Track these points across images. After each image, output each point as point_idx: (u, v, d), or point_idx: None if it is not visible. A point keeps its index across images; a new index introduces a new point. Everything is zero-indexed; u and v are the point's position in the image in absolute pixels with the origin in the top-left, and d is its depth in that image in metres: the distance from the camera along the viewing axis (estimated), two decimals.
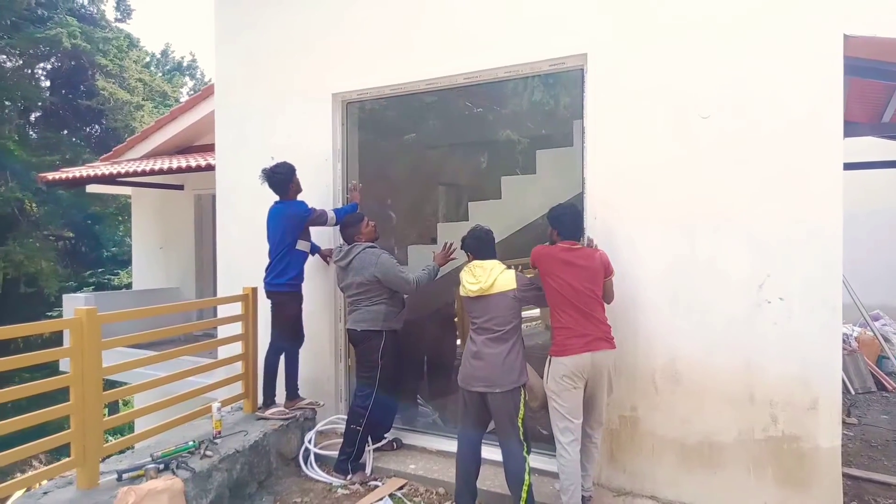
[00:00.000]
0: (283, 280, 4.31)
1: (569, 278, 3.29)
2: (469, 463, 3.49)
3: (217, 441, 3.92)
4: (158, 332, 4.20)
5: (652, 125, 3.62)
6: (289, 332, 4.43)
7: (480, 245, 3.51)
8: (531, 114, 4.84)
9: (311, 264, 4.63)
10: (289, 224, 4.30)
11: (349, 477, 4.07)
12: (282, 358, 4.48)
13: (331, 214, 4.40)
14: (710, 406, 3.48)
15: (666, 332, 3.60)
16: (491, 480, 3.74)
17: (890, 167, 6.15)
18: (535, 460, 3.93)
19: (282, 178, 4.33)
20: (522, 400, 3.35)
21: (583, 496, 3.37)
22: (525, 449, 3.30)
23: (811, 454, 3.25)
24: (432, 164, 5.59)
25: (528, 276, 3.56)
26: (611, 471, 3.77)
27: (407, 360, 4.54)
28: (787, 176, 3.30)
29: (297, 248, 4.34)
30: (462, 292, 3.48)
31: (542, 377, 3.42)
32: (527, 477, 3.26)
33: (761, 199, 3.35)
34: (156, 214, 9.77)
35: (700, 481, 3.51)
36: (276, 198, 4.43)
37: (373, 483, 4.07)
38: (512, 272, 3.42)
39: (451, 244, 4.20)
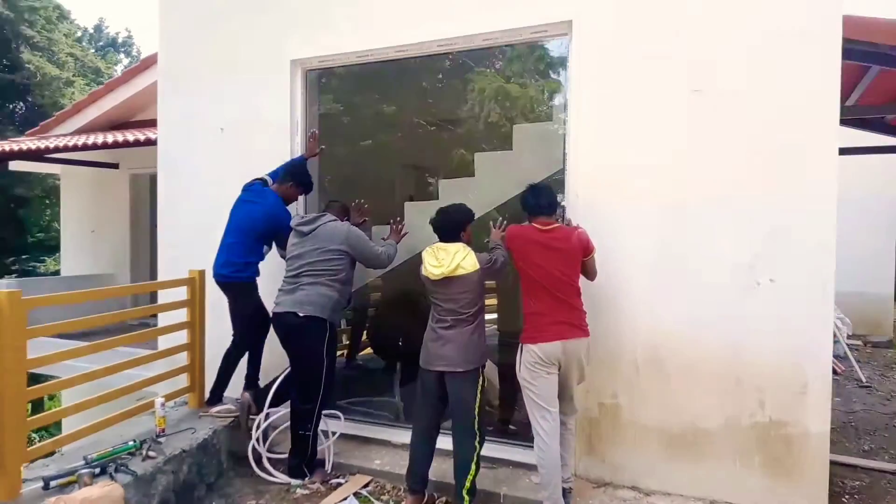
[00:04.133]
0: (243, 270, 3.99)
1: (544, 263, 3.08)
2: (422, 445, 3.38)
3: (161, 440, 3.54)
4: (93, 318, 3.63)
5: (641, 98, 3.43)
6: (256, 325, 4.07)
7: (445, 226, 3.37)
8: (509, 86, 4.61)
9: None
10: (264, 225, 4.02)
11: (308, 478, 3.75)
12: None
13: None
14: (696, 392, 3.35)
15: (649, 316, 3.44)
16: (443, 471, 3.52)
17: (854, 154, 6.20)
18: (511, 452, 3.80)
19: (301, 179, 4.19)
20: (480, 387, 3.28)
21: (562, 488, 3.18)
22: (477, 438, 3.23)
23: (799, 439, 3.15)
24: (400, 140, 5.30)
25: (485, 255, 3.37)
26: (590, 461, 3.60)
27: (383, 349, 4.24)
28: (781, 155, 3.17)
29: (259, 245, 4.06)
30: (424, 272, 3.32)
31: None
32: (473, 467, 3.20)
33: (754, 178, 3.22)
34: (87, 196, 9.08)
35: (685, 470, 3.38)
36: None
37: (335, 481, 3.77)
38: (473, 254, 3.27)
39: (400, 220, 4.06)
